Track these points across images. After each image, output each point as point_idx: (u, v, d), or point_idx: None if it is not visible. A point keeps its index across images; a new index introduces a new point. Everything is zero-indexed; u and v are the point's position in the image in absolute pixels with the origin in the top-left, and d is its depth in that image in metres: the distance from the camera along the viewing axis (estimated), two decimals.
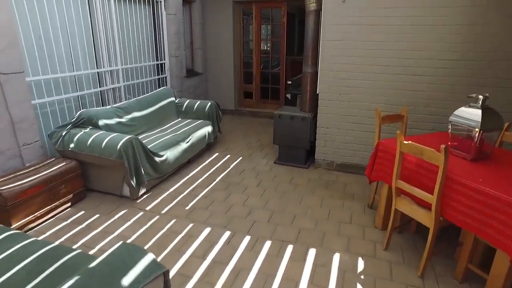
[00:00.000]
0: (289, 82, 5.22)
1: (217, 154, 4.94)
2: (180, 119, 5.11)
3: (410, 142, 2.37)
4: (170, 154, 3.92)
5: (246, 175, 4.22)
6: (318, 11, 4.00)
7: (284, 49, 6.61)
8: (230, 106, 7.11)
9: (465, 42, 3.47)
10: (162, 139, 4.06)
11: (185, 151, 4.24)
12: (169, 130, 4.48)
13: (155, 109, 4.66)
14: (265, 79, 7.02)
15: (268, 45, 7.07)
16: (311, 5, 3.99)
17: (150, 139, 4.06)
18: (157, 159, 3.69)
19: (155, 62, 5.48)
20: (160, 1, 5.30)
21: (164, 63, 5.66)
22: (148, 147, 3.66)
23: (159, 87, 5.70)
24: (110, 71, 4.50)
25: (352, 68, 3.91)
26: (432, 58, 3.61)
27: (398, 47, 3.69)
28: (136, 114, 4.31)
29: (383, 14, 3.65)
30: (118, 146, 3.23)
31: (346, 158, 4.27)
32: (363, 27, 3.75)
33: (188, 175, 4.17)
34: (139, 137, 3.76)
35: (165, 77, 5.75)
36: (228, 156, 4.87)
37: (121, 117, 4.05)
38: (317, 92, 4.26)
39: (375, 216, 3.17)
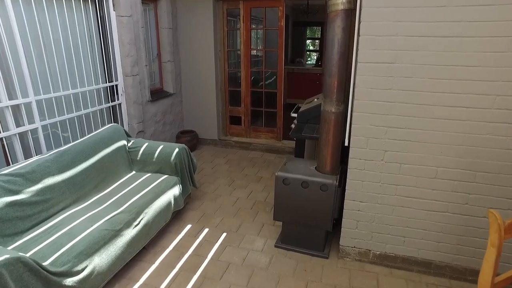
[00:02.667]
0: (294, 116, 3.59)
1: (188, 227, 3.26)
2: (134, 172, 3.41)
3: None
4: (99, 262, 2.23)
5: (232, 278, 2.56)
6: (349, 12, 2.36)
7: (282, 60, 4.96)
8: (212, 135, 5.43)
9: None
10: (90, 229, 2.36)
11: (132, 241, 2.55)
12: (109, 202, 2.77)
13: (90, 164, 2.94)
14: (257, 99, 5.36)
15: (261, 55, 5.41)
16: (338, 2, 2.34)
17: (62, 232, 2.33)
18: (68, 281, 2.00)
19: (101, 85, 3.76)
20: None
21: (116, 85, 3.95)
22: (55, 256, 1.98)
23: (111, 119, 3.98)
24: (13, 106, 2.78)
25: (410, 110, 2.28)
26: None
27: (499, 75, 2.08)
28: (51, 179, 2.59)
29: (477, 17, 2.03)
30: None
31: (391, 247, 2.65)
32: (433, 41, 2.13)
33: (134, 283, 2.49)
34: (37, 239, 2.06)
35: (119, 104, 4.04)
36: (206, 231, 3.19)
37: (17, 192, 2.33)
38: (346, 145, 2.64)
39: None
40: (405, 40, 2.17)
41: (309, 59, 13.84)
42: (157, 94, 4.78)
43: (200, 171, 4.53)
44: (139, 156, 3.42)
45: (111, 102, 3.93)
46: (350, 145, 2.51)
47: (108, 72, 3.87)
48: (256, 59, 5.69)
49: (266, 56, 5.22)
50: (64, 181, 2.68)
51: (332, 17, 2.38)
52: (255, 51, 5.63)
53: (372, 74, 2.29)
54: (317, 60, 8.31)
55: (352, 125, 2.45)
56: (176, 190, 3.19)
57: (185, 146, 3.47)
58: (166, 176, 3.27)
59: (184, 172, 3.41)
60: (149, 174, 3.32)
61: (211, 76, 5.11)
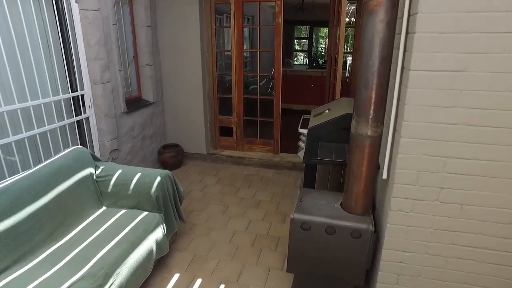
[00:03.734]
0: (303, 132, 2.94)
1: (176, 277, 2.55)
2: (104, 209, 2.66)
3: None
4: None
5: None
6: (394, 5, 1.71)
7: (280, 62, 4.30)
8: (200, 149, 4.72)
9: None
10: None
11: None
12: (67, 259, 2.03)
13: (41, 205, 2.18)
14: (250, 108, 4.68)
15: (254, 57, 4.74)
16: None
17: None
18: None
19: (62, 96, 2.99)
20: None
21: (82, 95, 3.19)
22: None
23: (76, 138, 3.21)
24: None
25: (481, 135, 1.66)
26: None
27: None
28: None
29: None
30: None
31: None
32: None
33: None
34: None
35: (86, 118, 3.28)
36: (198, 282, 2.49)
37: None
38: (384, 178, 2.00)
39: None
40: (483, 39, 1.54)
41: (296, 59, 13.26)
42: (134, 103, 4.03)
43: (188, 195, 3.81)
44: (110, 187, 2.68)
45: (76, 116, 3.16)
46: (393, 181, 1.87)
47: (72, 79, 3.10)
48: (248, 61, 5.01)
49: (261, 57, 4.55)
50: (2, 233, 1.93)
51: (372, 7, 1.72)
52: (248, 52, 4.95)
53: (430, 86, 1.65)
54: (312, 61, 7.70)
55: (398, 155, 1.81)
56: (159, 233, 2.48)
57: (169, 173, 2.75)
58: (145, 213, 2.55)
59: (169, 206, 2.69)
60: (123, 211, 2.58)
61: (198, 81, 4.39)
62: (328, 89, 4.21)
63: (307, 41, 13.37)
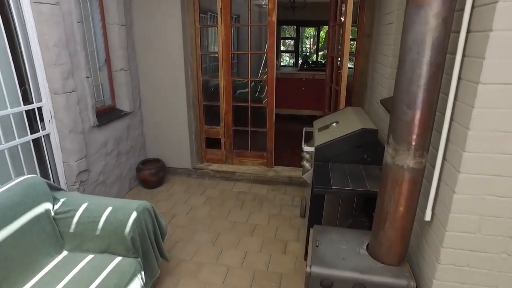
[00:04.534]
0: (308, 151, 2.43)
1: None
2: (66, 254, 2.10)
3: None
4: None
5: None
6: None
7: (274, 65, 3.80)
8: (184, 163, 4.17)
9: None
10: None
11: None
12: None
13: None
14: (241, 116, 4.17)
15: (244, 59, 4.24)
16: None
17: None
18: None
19: (11, 110, 2.40)
20: None
21: (39, 108, 2.61)
22: None
23: (32, 161, 2.61)
24: None
25: None
26: None
27: None
28: None
29: None
30: None
31: None
32: None
33: None
34: None
35: (46, 136, 2.70)
36: None
37: None
38: (427, 219, 1.54)
39: None
40: None
41: (281, 61, 12.82)
42: (107, 115, 3.45)
43: (171, 219, 3.28)
44: (73, 226, 2.12)
45: (32, 133, 2.57)
46: (445, 227, 1.41)
47: (26, 89, 2.51)
48: (233, 63, 4.50)
49: (253, 60, 4.05)
50: None
51: (417, 4, 1.26)
52: (238, 55, 4.44)
53: (507, 105, 1.20)
54: (303, 63, 7.25)
55: (454, 195, 1.35)
56: (136, 285, 1.94)
57: (148, 206, 2.21)
58: (118, 259, 2.01)
59: (148, 248, 2.16)
60: (90, 257, 2.03)
61: (180, 87, 3.85)
62: (329, 96, 3.75)
63: (292, 41, 12.97)
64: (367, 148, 2.32)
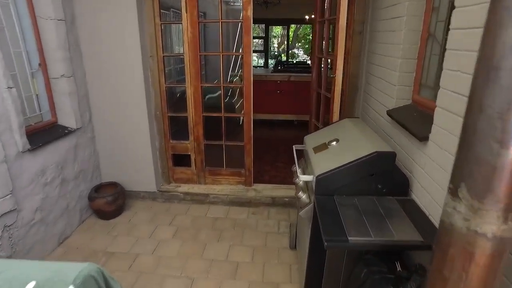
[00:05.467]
0: (306, 179, 1.88)
1: None
2: None
3: None
4: None
5: None
6: None
7: (250, 68, 3.21)
8: (148, 185, 3.49)
9: None
10: None
11: None
12: None
13: None
14: (213, 129, 3.55)
15: (215, 62, 3.61)
16: None
17: None
18: None
19: None
20: None
21: None
22: None
23: None
24: None
25: None
26: None
27: None
28: None
29: None
30: None
31: None
32: None
33: None
34: None
35: None
36: None
37: None
38: None
39: None
40: None
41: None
42: (46, 134, 2.71)
43: (133, 263, 2.61)
44: None
45: None
46: None
47: None
48: (206, 66, 3.87)
49: (224, 63, 3.43)
50: None
51: None
52: (207, 57, 3.80)
53: None
54: (276, 64, 6.69)
55: None
56: None
57: (94, 271, 1.55)
58: None
59: None
60: None
61: (139, 96, 3.17)
62: (316, 103, 3.22)
63: (260, 40, 12.45)
64: (382, 176, 1.80)
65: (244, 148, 3.43)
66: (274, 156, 4.56)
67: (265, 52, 10.35)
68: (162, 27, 3.18)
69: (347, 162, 1.78)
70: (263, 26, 10.47)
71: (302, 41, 16.35)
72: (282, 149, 4.86)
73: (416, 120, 1.92)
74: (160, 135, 3.43)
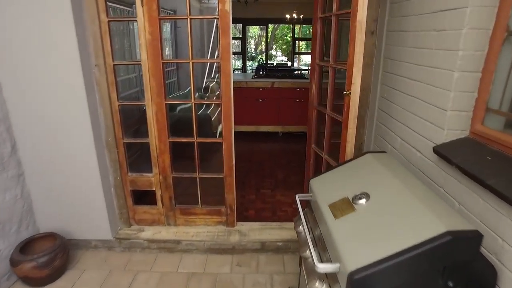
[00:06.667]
0: (325, 271, 1.17)
1: None
2: None
3: None
4: None
5: None
6: None
7: (231, 79, 2.41)
8: (101, 232, 2.63)
9: None
10: None
11: None
12: None
13: None
14: (183, 157, 2.74)
15: (183, 71, 2.79)
16: None
17: None
18: None
19: None
20: None
21: None
22: None
23: None
24: None
25: None
26: None
27: None
28: None
29: None
30: None
31: None
32: None
33: None
34: None
35: None
36: None
37: None
38: None
39: None
40: None
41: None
42: None
43: None
44: None
45: None
46: None
47: None
48: (185, 73, 3.04)
49: (199, 68, 2.63)
50: None
51: None
52: (174, 66, 2.99)
53: None
54: (258, 69, 5.89)
55: None
56: None
57: None
58: None
59: None
60: None
61: (83, 118, 2.32)
62: (315, 124, 2.44)
63: (238, 42, 11.66)
64: (456, 269, 1.08)
65: (224, 181, 2.64)
66: (259, 179, 3.80)
67: (243, 54, 9.56)
68: (111, 27, 2.33)
69: (400, 250, 1.04)
70: (240, 26, 9.67)
71: (280, 41, 15.67)
72: (267, 168, 4.11)
73: (493, 167, 1.22)
74: (114, 167, 2.59)
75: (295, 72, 6.79)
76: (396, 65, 1.95)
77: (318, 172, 2.29)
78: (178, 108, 4.40)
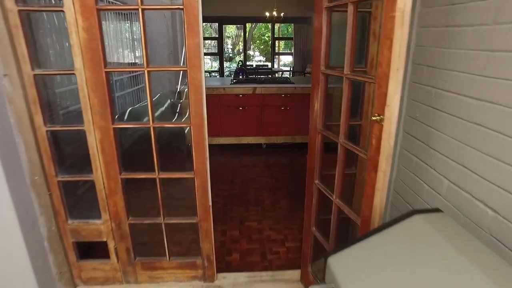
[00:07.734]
0: None
1: None
2: None
3: None
4: None
5: None
6: None
7: (201, 95, 1.75)
8: None
9: None
10: None
11: None
12: None
13: None
14: (141, 195, 2.05)
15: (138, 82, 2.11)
16: None
17: None
18: None
19: None
20: None
21: None
22: None
23: None
24: None
25: None
26: None
27: None
28: None
29: None
30: None
31: None
32: None
33: None
34: None
35: None
36: None
37: None
38: None
39: None
40: None
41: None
42: None
43: None
44: None
45: None
46: None
47: None
48: (154, 77, 2.34)
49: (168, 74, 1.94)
50: None
51: None
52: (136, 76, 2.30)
53: None
54: (237, 72, 5.17)
55: None
56: None
57: None
58: None
59: None
60: None
61: None
62: (320, 156, 1.74)
63: (214, 42, 10.94)
64: None
65: (198, 227, 1.97)
66: (243, 207, 3.14)
67: (220, 54, 8.86)
68: (27, 20, 1.61)
69: None
70: (216, 25, 8.96)
71: (258, 41, 15.04)
72: (252, 191, 3.45)
73: None
74: (47, 214, 1.86)
75: (276, 75, 6.19)
76: (438, 75, 1.35)
77: (331, 237, 1.64)
78: (145, 119, 3.68)
